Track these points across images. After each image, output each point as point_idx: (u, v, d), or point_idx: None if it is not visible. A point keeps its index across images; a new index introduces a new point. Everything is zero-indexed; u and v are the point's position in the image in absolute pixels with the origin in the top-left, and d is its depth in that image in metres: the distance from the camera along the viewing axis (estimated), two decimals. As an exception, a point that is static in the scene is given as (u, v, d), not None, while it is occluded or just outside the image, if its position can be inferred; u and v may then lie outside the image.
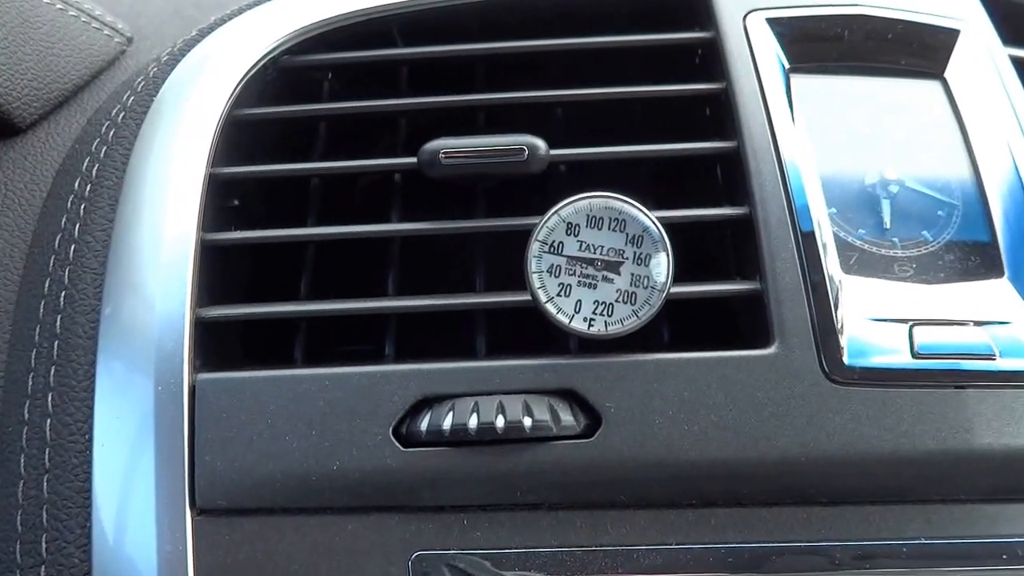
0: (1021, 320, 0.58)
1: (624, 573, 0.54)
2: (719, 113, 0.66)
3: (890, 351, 0.57)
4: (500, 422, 0.53)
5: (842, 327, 0.57)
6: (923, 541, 0.55)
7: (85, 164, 0.67)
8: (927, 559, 0.55)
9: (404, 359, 0.60)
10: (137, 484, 0.55)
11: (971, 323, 0.58)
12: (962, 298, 0.60)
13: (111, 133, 0.68)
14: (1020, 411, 0.56)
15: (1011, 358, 0.57)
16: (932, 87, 0.68)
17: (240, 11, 0.73)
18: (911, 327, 0.58)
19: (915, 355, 0.57)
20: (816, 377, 0.56)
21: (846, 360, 0.56)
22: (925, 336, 0.57)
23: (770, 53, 0.67)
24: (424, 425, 0.54)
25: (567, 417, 0.54)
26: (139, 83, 0.71)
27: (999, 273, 0.61)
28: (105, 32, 0.84)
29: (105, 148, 0.67)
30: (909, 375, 0.56)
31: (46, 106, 0.77)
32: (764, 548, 0.55)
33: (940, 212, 0.63)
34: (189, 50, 0.71)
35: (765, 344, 0.57)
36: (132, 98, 0.69)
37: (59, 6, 0.79)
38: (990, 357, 0.57)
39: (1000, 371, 0.57)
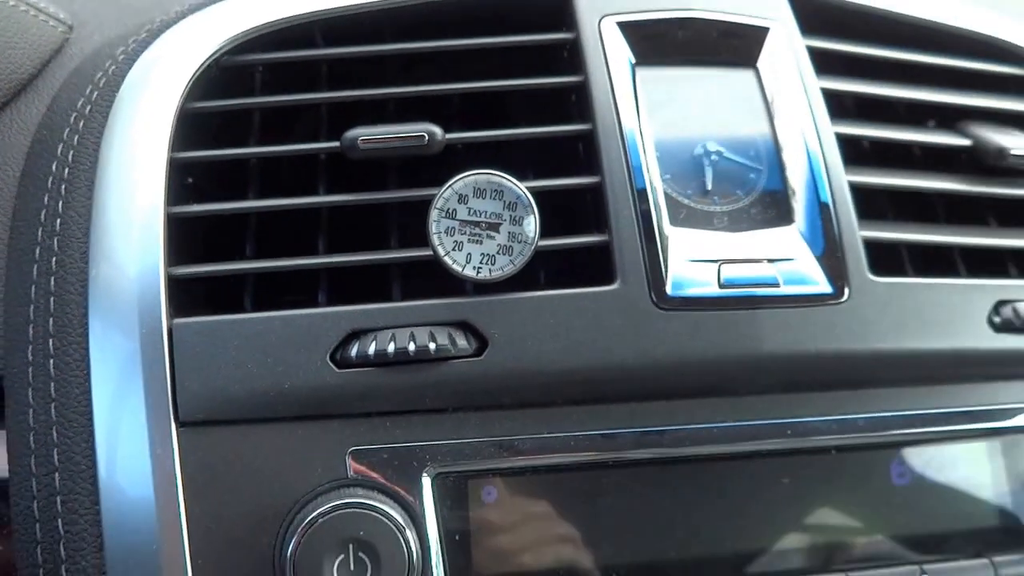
0: (801, 257, 0.68)
1: (508, 456, 0.63)
2: (581, 101, 0.72)
3: (703, 284, 0.66)
4: (412, 347, 0.61)
5: (667, 268, 0.66)
6: (729, 424, 0.66)
7: (60, 150, 0.71)
8: (731, 439, 0.66)
9: (335, 304, 0.64)
10: (130, 405, 0.61)
11: (764, 260, 0.67)
12: (760, 242, 0.69)
13: (80, 124, 0.71)
14: (796, 324, 0.66)
15: (791, 285, 0.67)
16: (747, 75, 0.76)
17: (184, 14, 0.76)
18: (719, 265, 0.66)
19: (721, 286, 0.66)
20: (647, 305, 0.65)
21: (669, 292, 0.65)
22: (729, 272, 0.66)
23: (621, 50, 0.73)
24: (354, 352, 0.61)
25: (462, 342, 0.62)
26: (100, 79, 0.73)
27: (789, 222, 0.70)
28: (50, 23, 0.83)
29: (77, 137, 0.70)
30: (717, 301, 0.66)
31: (6, 97, 0.79)
32: (606, 434, 0.64)
33: (751, 175, 0.72)
34: (142, 51, 0.72)
35: (610, 282, 0.65)
36: (96, 93, 0.72)
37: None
38: (775, 285, 0.66)
39: (783, 295, 0.67)
